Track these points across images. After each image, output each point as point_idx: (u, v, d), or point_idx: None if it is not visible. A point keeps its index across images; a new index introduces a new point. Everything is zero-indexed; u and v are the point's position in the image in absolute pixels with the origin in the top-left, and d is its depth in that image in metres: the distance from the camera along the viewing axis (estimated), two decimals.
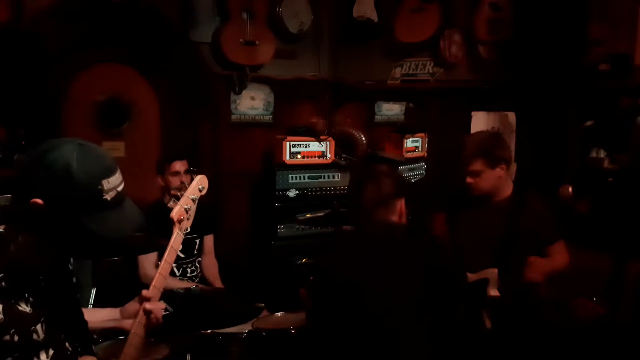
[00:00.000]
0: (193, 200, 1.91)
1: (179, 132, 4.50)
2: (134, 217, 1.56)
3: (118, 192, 1.48)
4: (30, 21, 3.71)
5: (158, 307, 1.80)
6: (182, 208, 1.87)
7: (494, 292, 2.66)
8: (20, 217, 1.46)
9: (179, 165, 3.56)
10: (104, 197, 1.45)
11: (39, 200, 1.41)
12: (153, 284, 1.81)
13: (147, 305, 1.76)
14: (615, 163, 4.03)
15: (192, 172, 2.00)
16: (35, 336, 1.48)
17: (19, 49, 3.73)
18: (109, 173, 1.46)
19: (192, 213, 1.91)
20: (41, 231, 1.46)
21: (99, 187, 1.43)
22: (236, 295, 3.09)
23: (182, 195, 1.90)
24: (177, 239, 1.85)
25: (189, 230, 1.90)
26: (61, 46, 3.94)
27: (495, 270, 2.69)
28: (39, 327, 1.49)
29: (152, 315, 1.77)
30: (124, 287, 3.40)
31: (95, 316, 1.89)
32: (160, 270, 1.81)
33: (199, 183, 1.95)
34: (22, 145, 3.69)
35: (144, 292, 1.78)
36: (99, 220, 1.45)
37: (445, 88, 4.74)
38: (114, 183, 1.47)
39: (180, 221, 1.86)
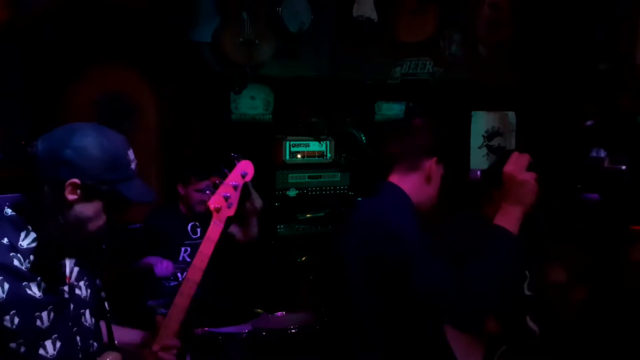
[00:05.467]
0: (234, 187, 1.77)
1: (178, 132, 4.49)
2: (147, 186, 1.64)
3: (136, 163, 1.59)
4: (29, 21, 3.71)
5: (170, 345, 1.72)
6: (221, 196, 1.74)
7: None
8: (50, 202, 1.48)
9: (207, 185, 3.41)
10: (132, 167, 1.56)
11: (76, 180, 1.47)
12: (181, 290, 1.69)
13: (156, 348, 1.70)
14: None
15: (235, 159, 1.81)
16: (39, 322, 1.47)
17: (18, 49, 3.73)
18: (129, 146, 1.59)
19: (233, 201, 1.76)
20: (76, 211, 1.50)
21: (127, 157, 1.55)
22: (235, 297, 3.08)
23: (220, 182, 1.78)
24: (214, 228, 1.72)
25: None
26: (61, 46, 3.94)
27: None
28: (44, 314, 1.48)
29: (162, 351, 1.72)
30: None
31: (124, 337, 1.81)
32: (194, 262, 1.69)
33: (241, 169, 1.81)
34: (21, 146, 3.68)
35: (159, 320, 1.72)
36: (130, 187, 1.54)
37: (445, 88, 4.73)
38: (132, 155, 1.59)
39: (218, 210, 1.73)
